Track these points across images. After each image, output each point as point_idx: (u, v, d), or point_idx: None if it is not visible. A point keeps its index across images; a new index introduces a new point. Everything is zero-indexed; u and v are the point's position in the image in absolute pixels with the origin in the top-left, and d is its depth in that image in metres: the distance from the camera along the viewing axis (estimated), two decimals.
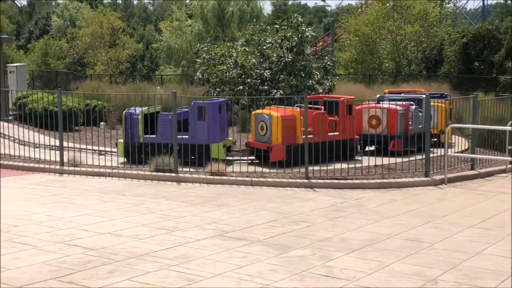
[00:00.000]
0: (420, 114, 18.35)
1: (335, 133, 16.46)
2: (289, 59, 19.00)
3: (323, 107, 16.77)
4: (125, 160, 16.52)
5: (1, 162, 16.51)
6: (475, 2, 61.96)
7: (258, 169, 15.35)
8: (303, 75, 19.25)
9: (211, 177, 14.56)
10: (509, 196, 13.22)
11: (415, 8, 40.20)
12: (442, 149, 15.75)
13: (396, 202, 12.57)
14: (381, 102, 18.18)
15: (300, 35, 19.44)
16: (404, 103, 17.97)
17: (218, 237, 9.60)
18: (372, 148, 17.08)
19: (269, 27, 21.62)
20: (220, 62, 19.42)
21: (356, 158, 16.20)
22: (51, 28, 63.69)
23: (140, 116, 16.26)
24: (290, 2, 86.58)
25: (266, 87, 18.93)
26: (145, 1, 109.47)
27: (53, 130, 18.86)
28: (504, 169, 16.46)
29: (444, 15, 42.37)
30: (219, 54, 19.68)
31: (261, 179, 14.34)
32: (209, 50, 20.14)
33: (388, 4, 41.23)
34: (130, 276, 7.69)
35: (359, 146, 17.23)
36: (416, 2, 40.87)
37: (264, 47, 19.50)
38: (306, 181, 14.19)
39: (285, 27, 19.80)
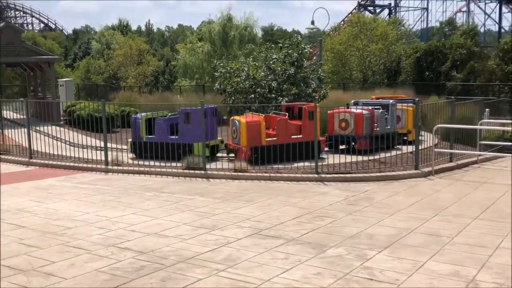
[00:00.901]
0: (386, 117, 16.47)
1: (298, 136, 14.61)
2: (292, 72, 17.26)
3: (286, 114, 15.23)
4: (133, 155, 15.34)
5: (55, 162, 14.70)
6: (422, 24, 60.99)
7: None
8: (302, 84, 17.51)
9: (235, 173, 12.82)
10: (492, 186, 11.58)
11: (378, 30, 38.86)
12: (410, 146, 14.87)
13: (399, 195, 10.87)
14: (354, 106, 16.55)
15: (300, 51, 17.70)
16: (370, 107, 16.12)
17: (256, 236, 7.87)
18: (343, 147, 15.59)
19: (273, 46, 19.83)
20: (235, 75, 17.66)
21: (321, 157, 14.09)
22: (91, 50, 62.23)
23: (141, 120, 15.38)
24: (275, 28, 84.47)
25: (273, 95, 17.18)
26: (163, 29, 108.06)
27: (96, 132, 17.40)
28: (475, 160, 14.82)
29: (400, 35, 40.82)
30: (234, 68, 17.90)
31: (278, 175, 12.59)
32: (225, 65, 18.37)
33: (356, 28, 39.68)
34: (183, 284, 5.97)
35: (325, 147, 15.37)
36: (379, 26, 39.60)
37: (271, 62, 17.73)
38: (316, 175, 12.46)
39: (288, 45, 18.06)
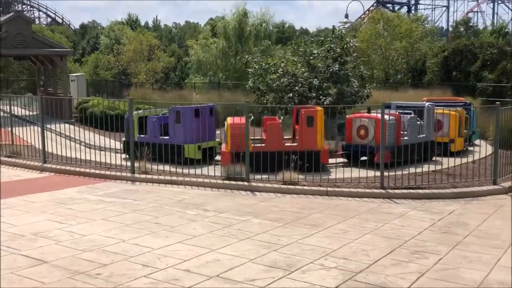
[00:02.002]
0: (420, 123, 14.08)
1: (293, 144, 12.64)
2: (336, 69, 15.27)
3: (281, 117, 13.78)
4: (127, 156, 13.74)
5: (72, 168, 12.75)
6: (441, 22, 59.60)
7: (324, 176, 11.61)
8: (344, 83, 15.54)
9: (285, 186, 10.87)
10: None
11: (402, 27, 36.90)
12: (453, 159, 12.44)
13: (494, 219, 8.92)
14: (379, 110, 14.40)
15: (344, 45, 15.74)
16: (395, 112, 13.75)
17: (353, 285, 5.91)
18: (364, 158, 13.12)
19: (312, 39, 17.81)
20: (272, 71, 15.67)
21: (328, 170, 12.28)
22: (100, 45, 60.44)
23: (134, 119, 13.89)
24: (286, 25, 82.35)
25: (314, 94, 15.20)
26: (170, 25, 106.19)
27: (111, 131, 15.52)
28: None
29: (424, 33, 38.86)
30: (271, 64, 15.91)
31: (336, 189, 10.64)
32: (259, 61, 16.37)
33: (379, 25, 37.73)
34: None
35: (327, 158, 12.96)
36: (403, 23, 37.63)
37: (311, 57, 15.75)
38: (383, 191, 10.51)
39: (330, 39, 16.08)
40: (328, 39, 16.18)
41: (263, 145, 12.69)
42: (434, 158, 13.46)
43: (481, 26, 67.63)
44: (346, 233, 7.89)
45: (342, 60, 15.76)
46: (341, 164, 13.23)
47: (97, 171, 12.37)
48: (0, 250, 6.89)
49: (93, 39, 65.66)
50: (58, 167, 12.88)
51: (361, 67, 17.23)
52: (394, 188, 10.63)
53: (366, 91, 16.27)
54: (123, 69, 51.38)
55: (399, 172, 11.33)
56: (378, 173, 11.22)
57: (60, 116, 20.59)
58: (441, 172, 11.69)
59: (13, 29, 22.77)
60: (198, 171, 12.03)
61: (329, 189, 10.59)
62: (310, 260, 6.62)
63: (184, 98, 28.10)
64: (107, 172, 12.27)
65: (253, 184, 11.05)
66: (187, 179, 11.52)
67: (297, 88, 15.39)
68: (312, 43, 16.78)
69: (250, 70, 16.31)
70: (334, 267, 6.39)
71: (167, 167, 12.31)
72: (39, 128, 15.08)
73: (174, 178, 11.60)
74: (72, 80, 29.06)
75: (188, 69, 51.98)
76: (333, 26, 20.76)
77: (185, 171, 12.02)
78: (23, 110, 25.12)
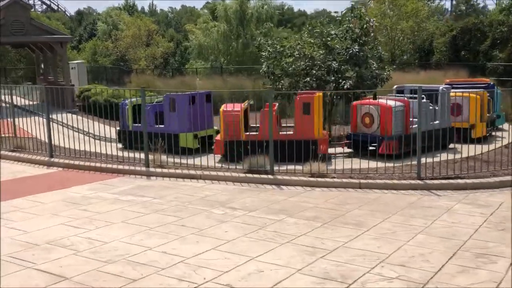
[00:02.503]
0: (434, 108, 12.87)
1: (289, 133, 11.78)
2: (356, 50, 14.36)
3: (277, 104, 12.96)
4: (122, 146, 13.60)
5: (82, 162, 11.91)
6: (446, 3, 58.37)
7: (355, 166, 10.76)
8: (366, 65, 14.65)
9: (313, 179, 10.05)
10: None
11: (408, 6, 35.84)
12: (474, 145, 10.99)
13: None
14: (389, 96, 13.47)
15: (363, 25, 14.82)
16: (404, 98, 12.68)
17: None
18: (373, 148, 11.84)
19: (326, 19, 16.81)
20: (288, 54, 14.74)
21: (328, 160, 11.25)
22: (97, 31, 59.31)
23: (128, 107, 13.84)
24: (286, 7, 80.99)
25: (332, 78, 14.29)
26: (166, 10, 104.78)
27: (116, 120, 15.15)
28: None
29: (431, 12, 37.86)
30: (287, 46, 14.97)
31: (370, 181, 9.82)
32: (273, 44, 15.42)
33: (384, 5, 36.70)
34: None
35: (327, 148, 11.94)
36: (409, 2, 36.57)
37: (328, 38, 14.82)
38: (420, 182, 9.69)
39: (348, 18, 15.15)
40: (347, 18, 15.24)
41: (256, 133, 11.85)
42: (452, 146, 12.68)
43: (481, 4, 66.60)
44: (394, 233, 7.08)
45: (361, 41, 14.84)
46: (346, 154, 12.38)
47: (109, 165, 11.54)
48: (0, 253, 6.09)
49: (90, 26, 64.54)
50: (66, 161, 12.04)
51: (379, 47, 16.32)
52: (432, 179, 9.83)
53: (385, 73, 15.37)
54: (122, 55, 50.48)
55: (429, 160, 10.54)
56: (399, 163, 10.42)
57: (62, 106, 19.73)
58: (480, 160, 10.85)
59: (11, 16, 21.79)
60: (197, 160, 11.30)
61: (362, 181, 9.78)
62: (365, 269, 5.82)
63: (188, 85, 27.21)
64: (120, 166, 11.44)
65: (278, 177, 10.23)
66: (206, 173, 10.69)
67: (314, 71, 14.48)
68: (330, 24, 15.83)
69: (263, 53, 15.35)
70: (396, 278, 5.59)
71: (183, 160, 11.47)
72: (44, 120, 14.22)
73: (192, 172, 10.77)
74: (72, 68, 28.09)
75: (188, 54, 50.95)
76: (352, 4, 19.82)
77: (199, 163, 11.17)
78: (23, 99, 24.22)
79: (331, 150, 12.59)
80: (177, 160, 11.47)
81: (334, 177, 10.10)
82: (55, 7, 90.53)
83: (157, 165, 11.30)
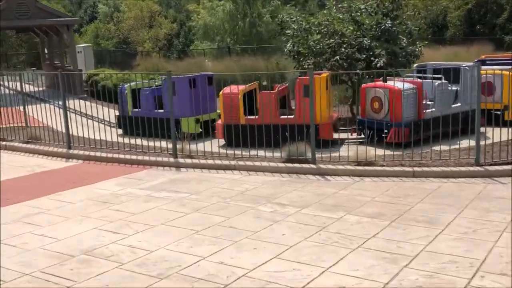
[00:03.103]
0: (456, 89, 11.55)
1: (290, 117, 10.97)
2: (389, 25, 13.36)
3: (278, 87, 11.82)
4: (123, 132, 12.93)
5: (103, 154, 11.00)
6: None
7: (396, 152, 9.84)
8: (391, 42, 13.63)
9: (360, 168, 9.13)
10: None
11: None
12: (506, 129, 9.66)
13: None
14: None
15: None
16: (416, 79, 11.51)
17: None
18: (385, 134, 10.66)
19: None
20: (317, 31, 13.72)
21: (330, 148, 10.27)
22: (99, 14, 58.10)
23: (127, 91, 13.46)
24: None
25: (363, 55, 13.31)
26: None
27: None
28: None
29: None
30: (315, 23, 13.92)
31: (425, 169, 8.90)
32: (298, 20, 14.37)
33: None
34: None
35: (332, 134, 11.19)
36: None
37: (358, 14, 13.80)
38: (480, 169, 8.77)
39: None
40: None
41: (256, 117, 11.07)
42: (482, 130, 11.24)
43: None
44: (476, 232, 6.19)
45: (392, 15, 13.84)
46: (358, 140, 11.25)
47: (133, 157, 10.63)
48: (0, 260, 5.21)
49: (90, 8, 63.33)
50: (86, 153, 11.13)
51: (408, 22, 15.29)
52: (492, 164, 8.90)
53: (417, 49, 14.39)
54: (124, 38, 49.45)
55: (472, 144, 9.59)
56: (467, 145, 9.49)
57: (70, 92, 18.75)
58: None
59: None
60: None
61: (416, 169, 8.87)
62: (463, 281, 4.94)
63: (199, 66, 26.17)
64: (146, 158, 10.53)
65: (322, 166, 9.32)
66: (241, 163, 9.79)
67: (343, 49, 13.50)
68: None
69: (288, 31, 14.30)
70: None
71: (215, 149, 10.56)
72: (55, 107, 13.33)
73: (226, 162, 9.86)
74: (78, 52, 27.05)
75: (193, 35, 49.81)
76: None
77: (237, 152, 10.25)
78: (28, 86, 23.19)
79: (340, 137, 11.73)
80: (203, 148, 10.54)
81: (383, 165, 9.19)
82: None
83: (185, 155, 10.39)
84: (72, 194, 8.46)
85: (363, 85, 11.85)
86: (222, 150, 10.38)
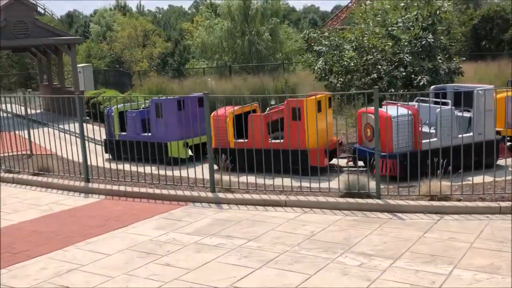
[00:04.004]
0: (461, 115, 9.49)
1: (280, 141, 9.86)
2: (431, 40, 12.16)
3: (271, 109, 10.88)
4: (110, 156, 12.40)
5: (128, 188, 9.56)
6: None
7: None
8: (439, 57, 12.46)
9: (436, 203, 7.79)
10: None
11: None
12: None
13: None
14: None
15: (437, 11, 12.65)
16: (414, 105, 10.06)
17: None
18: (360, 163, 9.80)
19: (388, 6, 14.52)
20: (354, 47, 12.47)
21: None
22: (90, 33, 56.76)
23: (113, 113, 12.73)
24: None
25: (403, 73, 12.08)
26: (153, 10, 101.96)
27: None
28: None
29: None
30: (349, 39, 12.67)
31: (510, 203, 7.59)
32: (332, 36, 13.12)
33: None
34: None
35: (325, 161, 9.95)
36: None
37: (395, 28, 12.59)
38: None
39: (417, 4, 12.94)
40: (415, 4, 13.02)
41: (246, 140, 9.85)
42: (504, 162, 9.59)
43: None
44: None
45: (432, 29, 12.66)
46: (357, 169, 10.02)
47: (163, 191, 9.21)
48: None
49: (81, 28, 62.09)
50: (108, 187, 9.69)
51: (441, 37, 14.13)
52: None
53: (454, 66, 13.22)
54: (117, 57, 48.17)
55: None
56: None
57: (71, 114, 17.27)
58: None
59: (13, 17, 19.29)
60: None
61: (502, 204, 7.54)
62: None
63: (206, 86, 24.86)
64: (178, 192, 9.12)
65: (390, 202, 7.98)
66: (292, 198, 8.41)
67: (379, 67, 12.27)
68: (396, 10, 13.57)
69: (320, 47, 12.99)
70: None
71: (252, 179, 9.19)
72: (66, 134, 11.91)
73: (274, 197, 8.48)
74: (78, 72, 25.62)
75: (187, 53, 48.66)
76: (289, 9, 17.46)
77: (281, 183, 8.86)
78: (21, 108, 21.63)
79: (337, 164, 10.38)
80: (243, 179, 9.15)
81: (461, 199, 7.86)
82: (42, 11, 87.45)
83: (224, 189, 9.00)
84: (106, 241, 7.02)
85: (359, 110, 10.53)
86: (264, 181, 8.97)
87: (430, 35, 12.31)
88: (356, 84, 12.50)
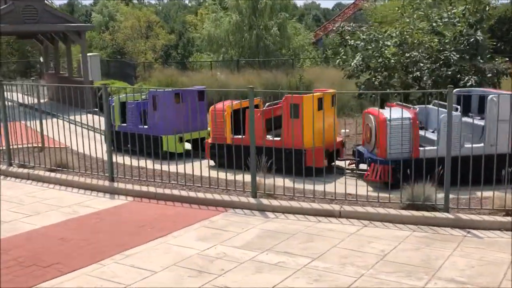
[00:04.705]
0: (481, 125, 8.94)
1: (276, 139, 9.03)
2: (481, 38, 11.26)
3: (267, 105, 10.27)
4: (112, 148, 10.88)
5: (159, 190, 8.61)
6: None
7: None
8: (487, 56, 11.56)
9: None
10: None
11: None
12: None
13: None
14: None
15: (484, 6, 11.75)
16: (415, 108, 9.21)
17: None
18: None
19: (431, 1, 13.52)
20: (396, 43, 11.51)
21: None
22: (92, 23, 55.62)
23: (114, 104, 12.20)
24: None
25: (449, 72, 11.18)
26: (153, 2, 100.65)
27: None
28: None
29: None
30: (392, 34, 11.69)
31: None
32: (369, 31, 12.16)
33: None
34: None
35: (319, 161, 9.05)
36: None
37: (440, 23, 11.65)
38: None
39: None
40: None
41: (243, 136, 9.47)
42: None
43: None
44: None
45: (479, 26, 11.76)
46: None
47: (199, 194, 8.27)
48: None
49: (82, 17, 60.89)
50: (136, 187, 8.73)
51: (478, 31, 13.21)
52: None
53: (502, 66, 12.34)
54: (120, 48, 47.19)
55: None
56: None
57: (80, 105, 16.24)
58: None
59: (22, 0, 18.19)
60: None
61: None
62: None
63: (217, 80, 23.88)
64: (216, 196, 8.17)
65: (461, 216, 7.07)
66: (347, 208, 7.48)
67: (421, 64, 11.36)
68: (441, 4, 12.64)
69: (357, 42, 12.03)
70: None
71: (291, 184, 8.24)
72: (77, 126, 10.94)
73: (327, 206, 7.55)
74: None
75: (191, 46, 47.65)
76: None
77: (314, 188, 7.94)
78: (27, 97, 20.58)
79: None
80: (284, 182, 8.22)
81: None
82: None
83: (266, 194, 8.07)
84: (146, 254, 6.08)
85: (365, 110, 9.87)
86: (314, 187, 8.04)
87: (479, 32, 11.38)
88: (394, 83, 11.59)
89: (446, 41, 11.60)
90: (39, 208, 7.94)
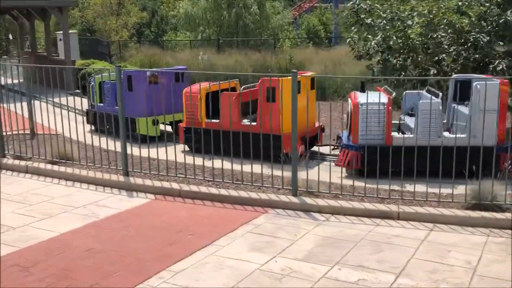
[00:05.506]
0: (459, 108, 8.65)
1: (252, 124, 8.28)
2: (510, 18, 10.44)
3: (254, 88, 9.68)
4: (92, 128, 11.91)
5: (184, 186, 7.58)
6: None
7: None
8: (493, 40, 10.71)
9: None
10: None
11: None
12: None
13: None
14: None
15: None
16: (391, 94, 8.99)
17: None
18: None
19: None
20: (426, 22, 10.56)
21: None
22: None
23: (94, 83, 11.99)
24: None
25: (477, 55, 10.38)
26: None
27: None
28: None
29: None
30: (422, 11, 10.71)
31: None
32: (392, 8, 11.19)
33: None
34: None
35: (299, 148, 7.94)
36: None
37: (465, 3, 10.77)
38: None
39: None
40: None
41: (217, 121, 9.10)
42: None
43: None
44: None
45: (507, 6, 10.94)
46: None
47: (232, 192, 7.29)
48: None
49: None
50: (157, 184, 7.68)
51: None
52: None
53: None
54: (89, 26, 45.29)
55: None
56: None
57: (61, 87, 14.92)
58: None
59: None
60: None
61: None
62: None
63: (201, 61, 22.72)
64: (252, 194, 7.21)
65: None
66: (406, 209, 6.61)
67: (445, 46, 10.54)
68: None
69: (379, 21, 11.05)
70: None
71: (335, 179, 7.34)
72: (76, 115, 9.83)
73: (382, 207, 6.67)
74: (59, 39, 23.03)
75: (165, 24, 46.01)
76: None
77: (378, 185, 7.06)
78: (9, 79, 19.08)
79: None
80: (327, 179, 7.31)
81: None
82: None
83: (307, 192, 7.15)
84: (197, 270, 5.10)
85: (350, 93, 9.36)
86: (365, 184, 7.13)
87: (509, 12, 10.56)
88: (419, 66, 10.75)
89: (474, 21, 10.75)
90: (49, 209, 6.84)
